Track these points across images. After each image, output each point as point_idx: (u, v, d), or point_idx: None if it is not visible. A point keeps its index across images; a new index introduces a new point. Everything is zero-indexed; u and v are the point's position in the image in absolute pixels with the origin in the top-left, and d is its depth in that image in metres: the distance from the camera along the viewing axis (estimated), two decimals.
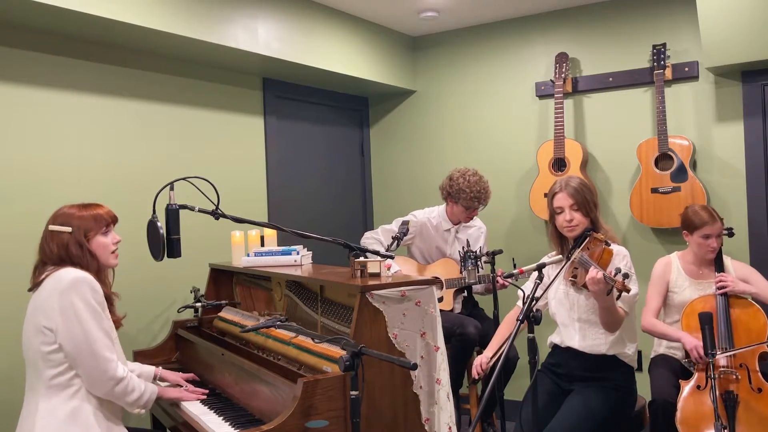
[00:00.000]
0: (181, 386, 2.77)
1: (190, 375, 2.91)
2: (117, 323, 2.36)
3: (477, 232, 3.87)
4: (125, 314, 2.46)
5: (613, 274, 2.41)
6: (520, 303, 2.84)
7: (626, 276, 2.39)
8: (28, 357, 2.26)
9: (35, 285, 2.27)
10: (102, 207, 2.39)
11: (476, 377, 2.82)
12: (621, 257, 2.69)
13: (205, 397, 2.71)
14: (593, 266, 2.47)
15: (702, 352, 2.98)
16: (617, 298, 2.49)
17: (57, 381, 2.20)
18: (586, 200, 2.71)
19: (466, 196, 3.64)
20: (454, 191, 3.67)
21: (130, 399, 2.29)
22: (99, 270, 2.33)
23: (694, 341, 3.03)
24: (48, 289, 2.21)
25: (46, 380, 2.20)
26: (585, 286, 2.52)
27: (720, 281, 3.08)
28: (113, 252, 2.38)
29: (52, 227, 2.29)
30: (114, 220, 2.40)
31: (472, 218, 3.82)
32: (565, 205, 2.71)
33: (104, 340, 2.21)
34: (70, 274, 2.21)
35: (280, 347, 2.65)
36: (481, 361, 2.84)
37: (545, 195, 4.13)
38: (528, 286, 2.91)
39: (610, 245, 2.61)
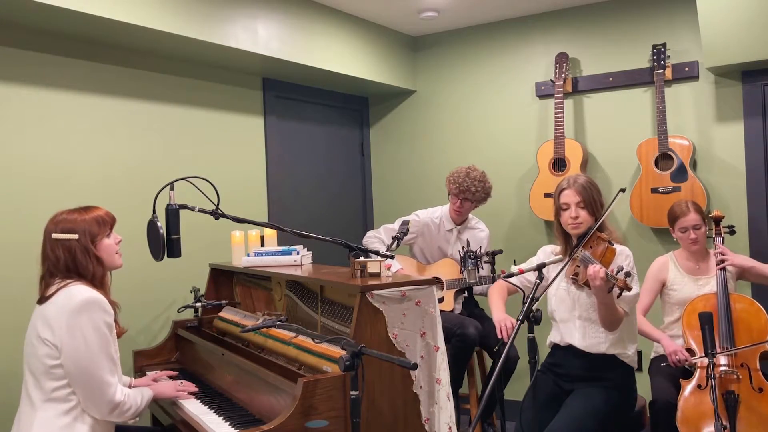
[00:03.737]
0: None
1: (167, 372, 2.92)
2: (120, 333, 2.35)
3: (480, 235, 3.86)
4: (128, 329, 2.45)
5: (615, 272, 2.41)
6: (514, 268, 2.80)
7: (628, 275, 2.39)
8: (31, 365, 2.24)
9: (44, 298, 2.24)
10: (100, 209, 2.37)
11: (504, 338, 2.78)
12: (624, 257, 2.69)
13: (197, 390, 2.72)
14: (595, 263, 2.48)
15: (681, 357, 3.03)
16: (618, 297, 2.49)
17: (57, 394, 2.19)
18: (593, 199, 2.72)
19: (449, 182, 3.69)
20: (447, 177, 3.73)
21: (126, 416, 2.28)
22: (104, 275, 2.33)
23: (673, 346, 3.08)
24: (58, 305, 2.18)
25: (46, 391, 2.19)
26: (586, 283, 2.52)
27: (719, 255, 3.13)
28: (117, 252, 2.38)
29: (56, 236, 2.26)
30: (114, 221, 2.40)
31: (461, 213, 3.78)
32: (571, 201, 2.71)
33: (108, 365, 2.21)
34: (82, 293, 2.19)
35: (280, 347, 2.65)
36: (505, 324, 2.82)
37: (546, 195, 4.16)
38: (523, 266, 2.89)
39: (613, 245, 2.61)
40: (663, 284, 3.34)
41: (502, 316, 2.87)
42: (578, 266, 2.58)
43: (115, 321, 2.31)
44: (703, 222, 3.23)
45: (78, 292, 2.19)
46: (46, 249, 2.29)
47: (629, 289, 2.40)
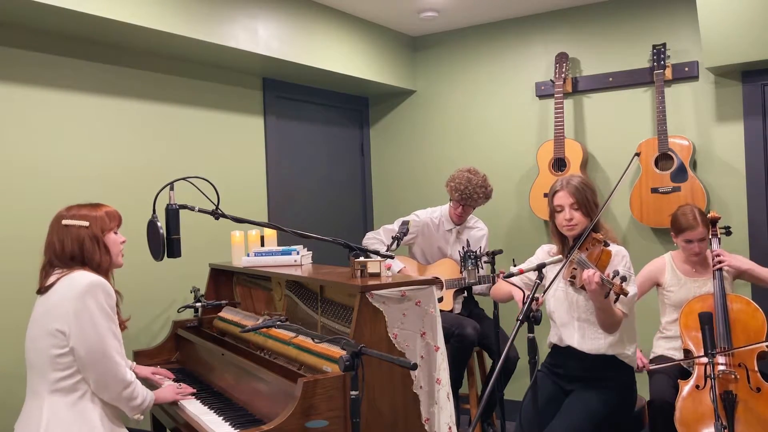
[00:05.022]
0: (152, 380, 2.80)
1: (167, 372, 2.93)
2: (122, 326, 2.35)
3: (478, 234, 3.87)
4: (129, 317, 2.46)
5: (611, 276, 2.39)
6: (514, 269, 2.79)
7: (624, 279, 2.37)
8: (32, 359, 2.24)
9: (44, 288, 2.25)
10: (109, 206, 2.39)
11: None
12: (620, 258, 2.68)
13: (194, 391, 2.73)
14: (591, 268, 2.46)
15: (639, 363, 3.07)
16: (615, 302, 2.48)
17: (63, 384, 2.19)
18: (587, 199, 2.71)
19: (451, 189, 3.70)
20: (449, 182, 3.72)
21: (134, 404, 2.29)
22: (110, 266, 2.34)
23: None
24: (61, 292, 2.19)
25: (51, 383, 2.19)
26: (584, 287, 2.51)
27: (717, 258, 3.13)
28: (120, 252, 2.40)
29: (66, 221, 2.27)
30: (121, 220, 2.42)
31: (462, 217, 3.81)
32: (565, 203, 2.71)
33: (116, 345, 2.22)
34: (85, 277, 2.20)
35: (280, 347, 2.65)
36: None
37: (545, 195, 4.15)
38: (523, 267, 2.89)
39: (609, 245, 2.60)
40: (657, 284, 3.33)
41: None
42: (575, 269, 2.57)
43: (118, 313, 2.32)
44: (708, 232, 3.22)
45: (80, 276, 2.21)
46: (52, 237, 2.29)
47: (626, 294, 2.38)
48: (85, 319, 2.16)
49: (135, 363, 2.85)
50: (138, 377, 2.76)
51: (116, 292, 2.31)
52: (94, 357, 2.17)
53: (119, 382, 2.22)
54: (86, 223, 2.28)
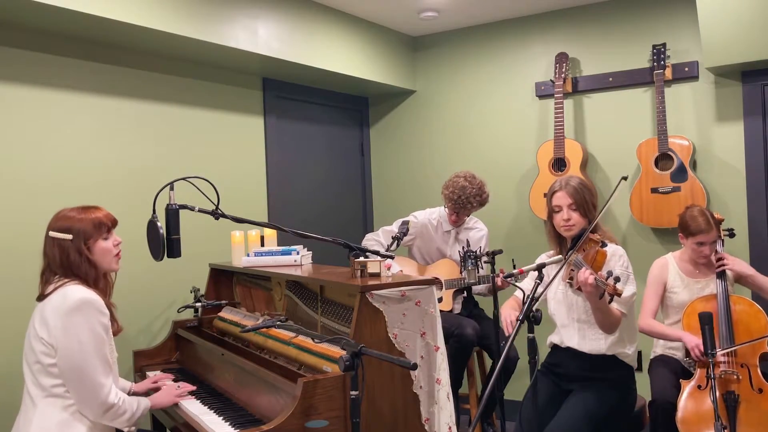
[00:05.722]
0: (154, 388, 2.75)
1: (167, 375, 2.92)
2: (117, 332, 2.35)
3: (478, 234, 3.86)
4: (127, 329, 2.45)
5: (605, 277, 2.39)
6: (518, 294, 2.81)
7: (618, 280, 2.36)
8: (28, 363, 2.25)
9: (43, 296, 2.25)
10: (101, 210, 2.37)
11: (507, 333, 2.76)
12: (617, 257, 2.68)
13: (194, 388, 2.73)
14: (585, 268, 2.45)
15: (703, 350, 2.97)
16: (610, 302, 2.47)
17: (56, 390, 2.20)
18: (585, 200, 2.70)
19: (446, 197, 3.68)
20: (443, 189, 3.71)
21: (120, 421, 2.28)
22: (98, 277, 2.32)
23: (695, 340, 3.02)
24: (54, 304, 2.19)
25: (45, 388, 2.20)
26: (580, 288, 2.51)
27: (720, 261, 3.12)
28: (116, 255, 2.38)
29: (52, 233, 2.28)
30: (114, 223, 2.39)
31: (458, 222, 3.79)
32: (563, 204, 2.71)
33: (101, 366, 2.21)
34: (77, 293, 2.19)
35: (280, 347, 2.65)
36: (510, 319, 2.77)
37: (545, 195, 4.15)
38: (527, 284, 2.92)
39: (605, 246, 2.59)
40: (664, 286, 3.31)
41: (507, 311, 2.84)
42: (572, 270, 2.57)
43: (113, 319, 2.31)
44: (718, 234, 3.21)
45: (72, 292, 2.20)
46: (45, 245, 2.31)
47: (619, 294, 2.36)
48: (72, 337, 2.16)
49: (134, 384, 2.82)
50: (139, 393, 2.74)
51: (109, 304, 2.30)
52: (77, 377, 2.18)
53: (99, 404, 2.20)
54: (69, 237, 2.26)
